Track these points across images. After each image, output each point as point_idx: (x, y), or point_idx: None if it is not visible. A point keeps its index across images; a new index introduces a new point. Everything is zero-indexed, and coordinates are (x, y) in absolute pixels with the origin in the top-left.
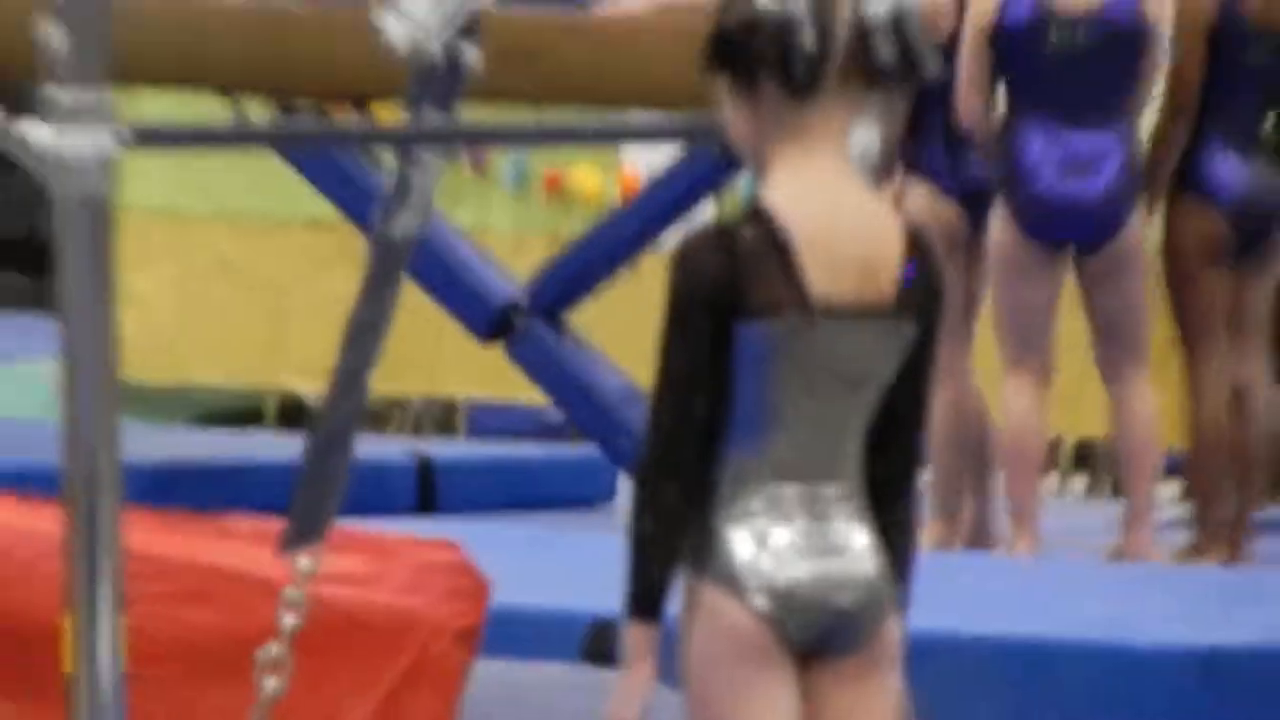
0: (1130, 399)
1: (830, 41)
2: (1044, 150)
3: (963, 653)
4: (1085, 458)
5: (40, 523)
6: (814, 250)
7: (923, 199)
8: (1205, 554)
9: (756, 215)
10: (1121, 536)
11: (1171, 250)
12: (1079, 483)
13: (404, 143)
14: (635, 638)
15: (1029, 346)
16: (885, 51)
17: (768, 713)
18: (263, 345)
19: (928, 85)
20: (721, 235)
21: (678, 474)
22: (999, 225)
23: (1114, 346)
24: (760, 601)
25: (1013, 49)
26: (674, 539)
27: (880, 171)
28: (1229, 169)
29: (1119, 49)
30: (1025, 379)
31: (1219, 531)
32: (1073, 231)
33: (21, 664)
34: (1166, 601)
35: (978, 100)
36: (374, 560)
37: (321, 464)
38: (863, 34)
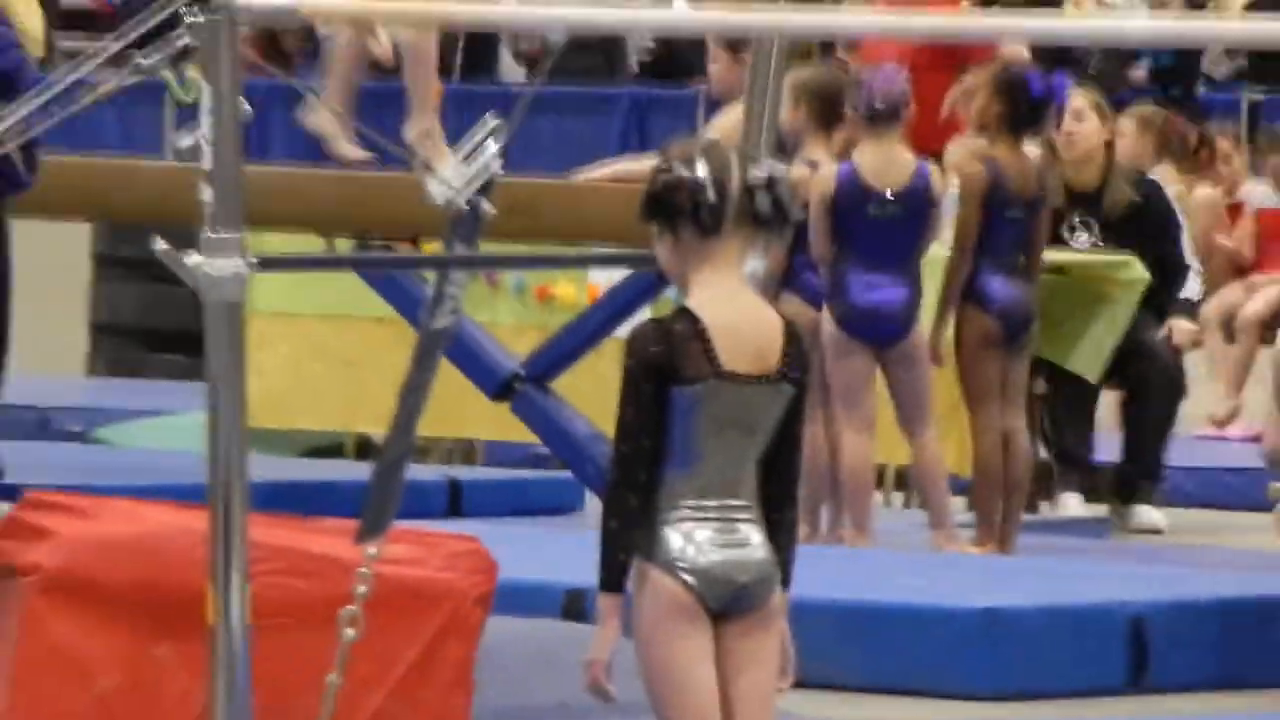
0: (922, 447)
1: (726, 198)
2: (860, 279)
3: (825, 613)
4: (903, 480)
5: (194, 522)
6: (723, 338)
7: (794, 304)
8: (983, 546)
9: (683, 313)
10: (932, 536)
11: (960, 342)
12: (898, 498)
13: (441, 266)
14: (606, 604)
15: (855, 405)
16: (764, 205)
17: (694, 655)
18: (345, 402)
19: (797, 230)
20: (659, 327)
21: (634, 489)
22: (827, 325)
23: (908, 412)
24: (689, 579)
25: (842, 215)
26: (630, 534)
27: (765, 286)
28: (997, 287)
29: (914, 217)
30: (857, 427)
31: (992, 531)
32: (876, 332)
33: (181, 617)
34: (956, 577)
35: (824, 247)
36: (419, 548)
37: (384, 483)
38: (749, 193)
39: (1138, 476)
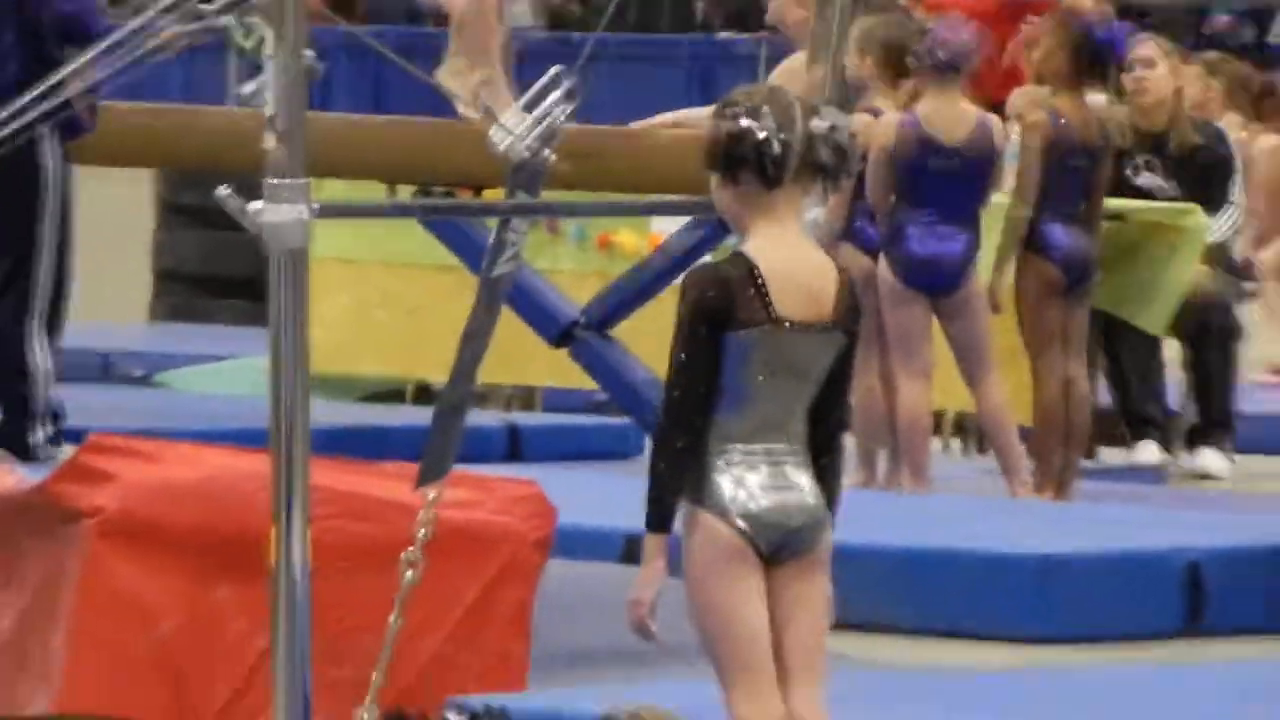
0: (985, 395)
1: (789, 149)
2: (919, 229)
3: (882, 558)
4: (962, 426)
5: (255, 466)
6: (778, 284)
7: (849, 253)
8: (1043, 493)
9: (739, 258)
10: (1006, 483)
11: (1020, 290)
12: (956, 444)
13: (503, 214)
14: (652, 544)
15: (911, 353)
16: (826, 155)
17: (746, 597)
18: (405, 348)
19: (857, 179)
20: (715, 271)
21: (683, 432)
22: (884, 274)
23: (968, 361)
24: (740, 523)
25: (903, 167)
26: (679, 476)
27: (824, 235)
28: (1059, 235)
29: (976, 170)
30: (913, 374)
31: (1051, 477)
32: (932, 282)
33: (244, 559)
34: (1013, 523)
35: (881, 197)
36: (478, 492)
37: (444, 428)
38: (811, 142)
39: (1208, 425)
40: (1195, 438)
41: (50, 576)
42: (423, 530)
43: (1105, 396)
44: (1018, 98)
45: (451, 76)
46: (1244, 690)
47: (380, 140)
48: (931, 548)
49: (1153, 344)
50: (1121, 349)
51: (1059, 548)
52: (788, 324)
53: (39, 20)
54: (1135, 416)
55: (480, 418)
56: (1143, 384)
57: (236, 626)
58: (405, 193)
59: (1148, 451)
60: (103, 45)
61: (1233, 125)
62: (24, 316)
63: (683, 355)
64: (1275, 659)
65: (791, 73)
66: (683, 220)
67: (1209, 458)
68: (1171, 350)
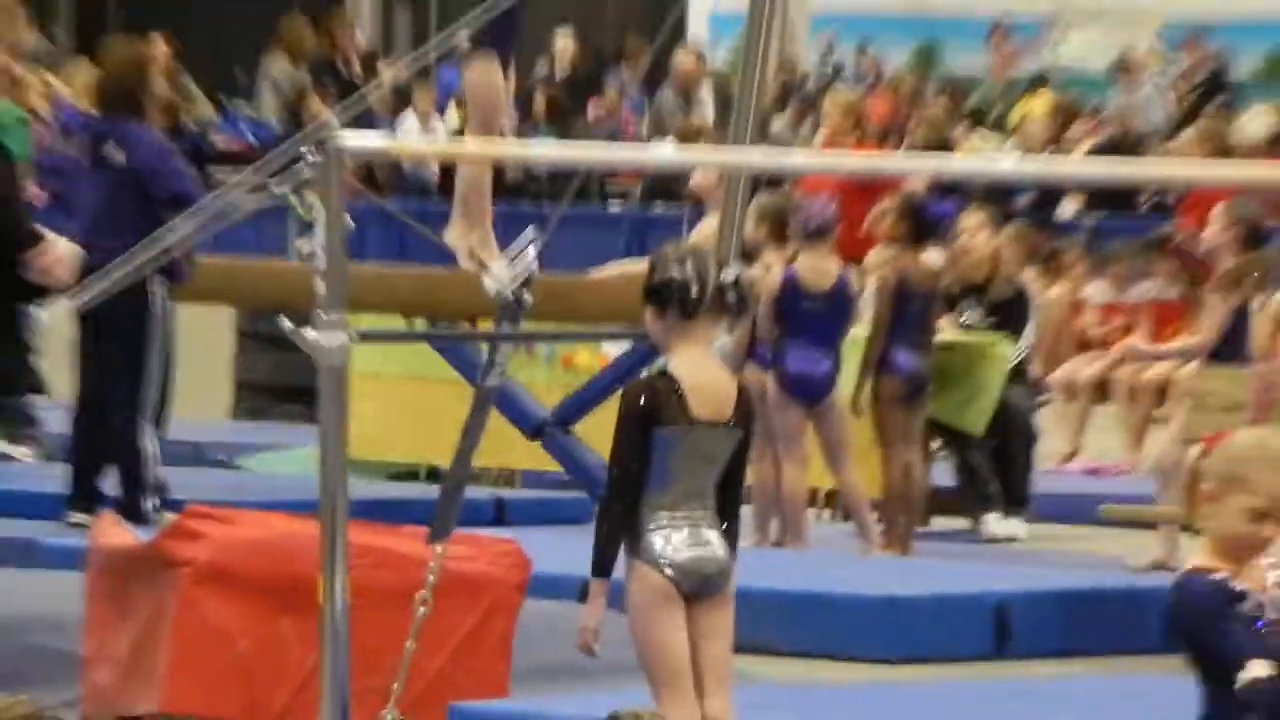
0: (844, 482)
1: (704, 292)
2: (796, 354)
3: (771, 598)
4: (830, 500)
5: (309, 528)
6: (694, 394)
7: (752, 371)
8: (890, 549)
9: (664, 374)
10: (859, 545)
11: (875, 398)
12: (826, 514)
13: (493, 340)
14: (595, 586)
15: (792, 446)
16: (731, 298)
17: (673, 628)
18: (419, 440)
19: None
20: (647, 384)
21: (620, 503)
22: (771, 387)
23: (833, 452)
24: (668, 571)
25: (784, 308)
26: (617, 536)
27: (732, 358)
28: (903, 359)
29: (839, 311)
30: (794, 461)
31: (896, 539)
32: (806, 394)
33: (299, 599)
34: (866, 572)
35: (768, 329)
36: (472, 548)
37: (447, 500)
38: (720, 288)
39: (1013, 500)
40: (1003, 509)
41: (156, 610)
42: (431, 577)
43: (940, 478)
44: (873, 256)
45: (455, 237)
46: (1040, 700)
47: (402, 284)
48: (807, 590)
49: (974, 442)
50: (960, 448)
51: (901, 591)
52: (701, 423)
53: (153, 195)
54: (972, 494)
55: (474, 492)
56: (974, 470)
57: (295, 647)
58: (420, 324)
59: (974, 520)
60: (197, 211)
61: (1029, 278)
62: (137, 416)
63: (622, 446)
64: (1064, 677)
65: (706, 234)
66: (625, 344)
67: (1012, 525)
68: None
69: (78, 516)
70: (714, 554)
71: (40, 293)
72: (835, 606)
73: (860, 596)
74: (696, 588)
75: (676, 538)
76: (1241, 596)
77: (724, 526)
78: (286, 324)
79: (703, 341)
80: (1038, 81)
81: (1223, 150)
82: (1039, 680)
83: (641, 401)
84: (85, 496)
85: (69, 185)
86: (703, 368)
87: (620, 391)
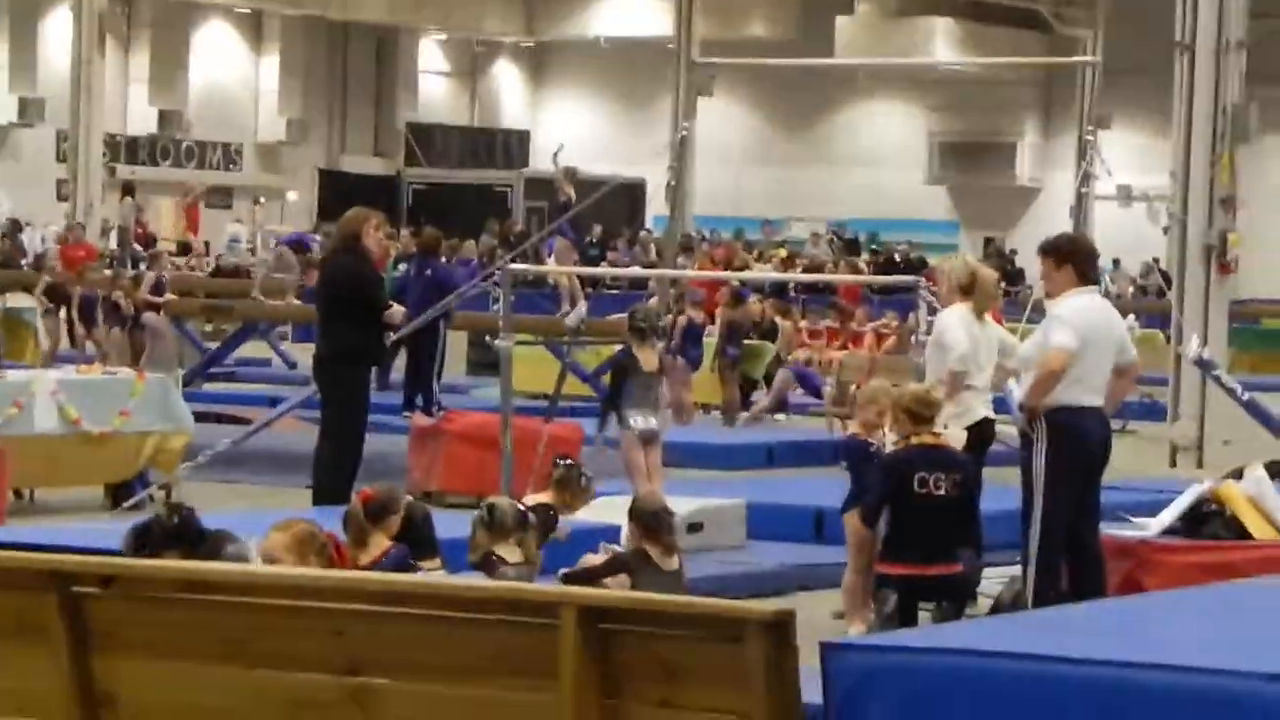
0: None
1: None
2: (635, 415)
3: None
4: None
5: (494, 419)
6: (644, 362)
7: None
8: None
9: (630, 354)
10: None
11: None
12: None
13: (562, 342)
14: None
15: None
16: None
17: (638, 454)
18: (538, 383)
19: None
20: (623, 356)
21: (614, 406)
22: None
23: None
24: (638, 431)
25: (625, 382)
26: (613, 417)
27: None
28: (732, 350)
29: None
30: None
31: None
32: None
33: (491, 444)
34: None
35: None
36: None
37: (552, 405)
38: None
39: None
40: None
41: (448, 448)
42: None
43: None
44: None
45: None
46: None
47: (528, 323)
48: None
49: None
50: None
51: None
52: (646, 373)
53: (438, 277)
54: None
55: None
56: None
57: (491, 466)
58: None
59: None
60: (452, 299)
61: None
62: (433, 374)
63: (613, 383)
64: None
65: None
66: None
67: None
68: None
69: (407, 414)
70: (654, 427)
71: (389, 329)
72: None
73: None
74: (648, 439)
75: (640, 419)
76: (869, 446)
77: (658, 415)
78: (495, 341)
79: (652, 346)
80: None
81: None
82: None
83: (622, 363)
84: (409, 403)
85: (407, 289)
86: (649, 353)
87: (612, 360)
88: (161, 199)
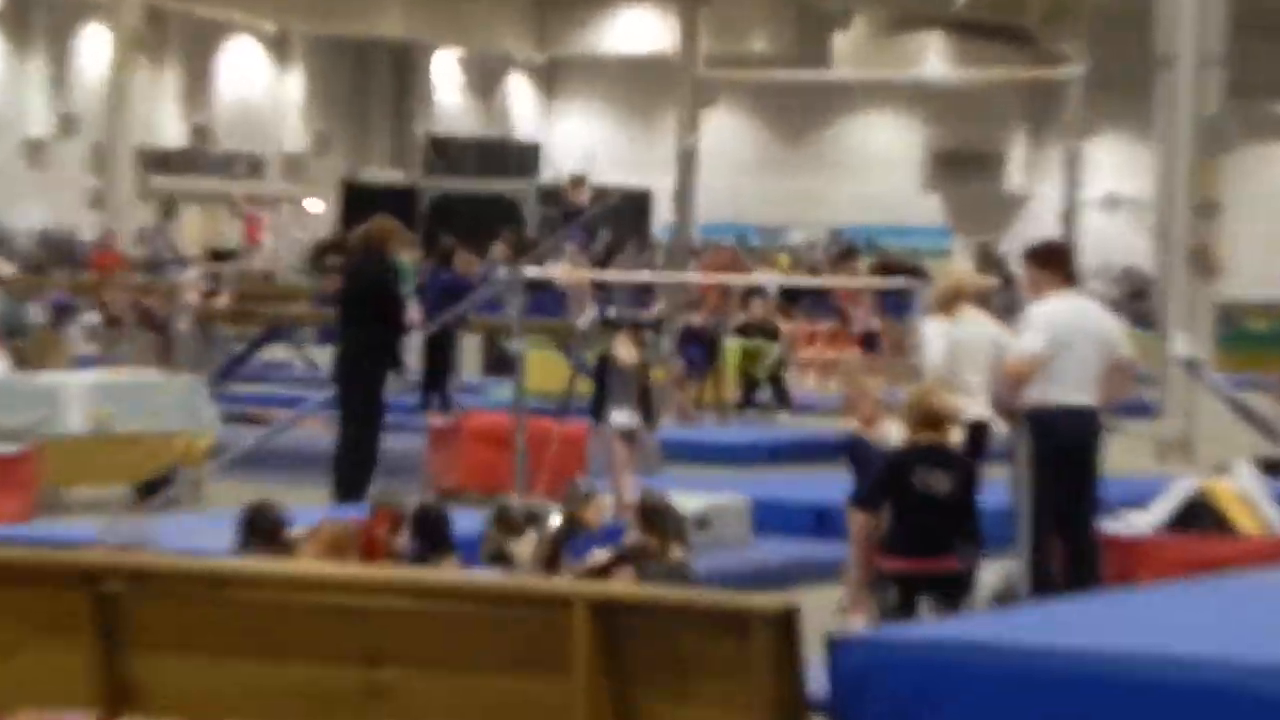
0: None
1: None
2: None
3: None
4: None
5: (505, 418)
6: (625, 361)
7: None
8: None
9: (612, 357)
10: None
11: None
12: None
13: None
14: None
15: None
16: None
17: (623, 450)
18: (549, 383)
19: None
20: (605, 358)
21: (603, 402)
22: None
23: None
24: (621, 427)
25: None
26: (602, 411)
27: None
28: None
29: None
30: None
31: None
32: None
33: (504, 443)
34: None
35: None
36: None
37: (563, 403)
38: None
39: None
40: None
41: (455, 446)
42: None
43: None
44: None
45: (582, 313)
46: None
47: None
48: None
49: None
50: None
51: None
52: (626, 369)
53: (453, 283)
54: None
55: None
56: None
57: (505, 462)
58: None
59: None
60: (467, 303)
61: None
62: (448, 375)
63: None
64: None
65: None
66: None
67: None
68: None
69: (426, 415)
70: (633, 424)
71: (404, 330)
72: None
73: None
74: (627, 435)
75: (621, 415)
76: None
77: (644, 413)
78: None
79: (629, 341)
80: None
81: None
82: None
83: (603, 359)
84: (426, 404)
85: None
86: (627, 348)
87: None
88: (191, 207)
